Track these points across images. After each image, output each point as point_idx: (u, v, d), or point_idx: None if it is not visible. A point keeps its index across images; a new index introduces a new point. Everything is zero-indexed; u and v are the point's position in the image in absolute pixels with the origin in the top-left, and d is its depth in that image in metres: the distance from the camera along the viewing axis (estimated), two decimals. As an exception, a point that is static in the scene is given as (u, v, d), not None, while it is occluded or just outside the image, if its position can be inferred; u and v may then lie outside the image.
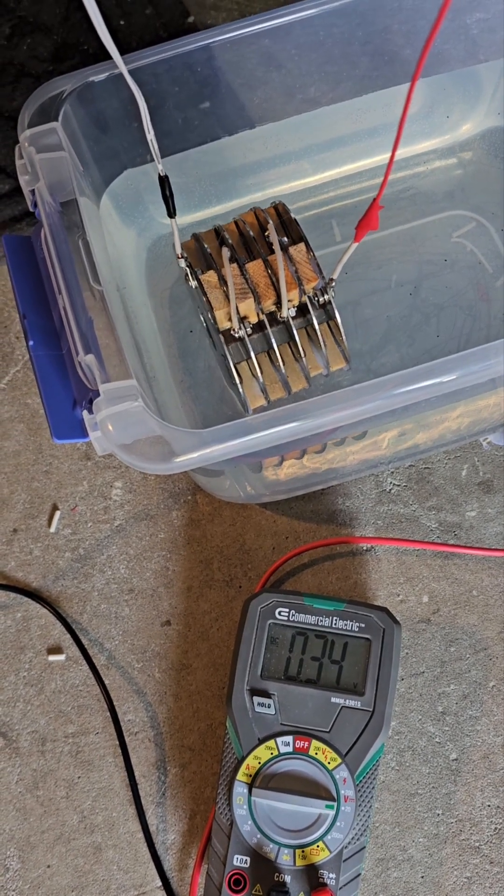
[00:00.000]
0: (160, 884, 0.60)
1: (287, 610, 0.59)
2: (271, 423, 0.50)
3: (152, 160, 0.62)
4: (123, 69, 0.46)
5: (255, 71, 0.65)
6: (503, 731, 0.62)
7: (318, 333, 0.61)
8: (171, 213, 0.56)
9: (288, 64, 0.65)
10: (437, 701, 0.63)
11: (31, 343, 0.55)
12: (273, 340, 0.61)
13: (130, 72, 0.60)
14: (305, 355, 0.61)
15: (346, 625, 0.58)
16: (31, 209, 0.57)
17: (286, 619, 0.59)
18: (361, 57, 0.66)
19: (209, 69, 0.63)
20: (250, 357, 0.61)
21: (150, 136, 0.50)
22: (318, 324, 0.61)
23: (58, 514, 0.68)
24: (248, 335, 0.61)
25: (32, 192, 0.56)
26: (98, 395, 0.50)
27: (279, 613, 0.59)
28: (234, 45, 0.62)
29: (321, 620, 0.58)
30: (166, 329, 0.69)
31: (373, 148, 0.72)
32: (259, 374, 0.61)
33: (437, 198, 0.72)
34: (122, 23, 0.81)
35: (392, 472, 0.68)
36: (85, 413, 0.50)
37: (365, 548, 0.67)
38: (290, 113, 0.68)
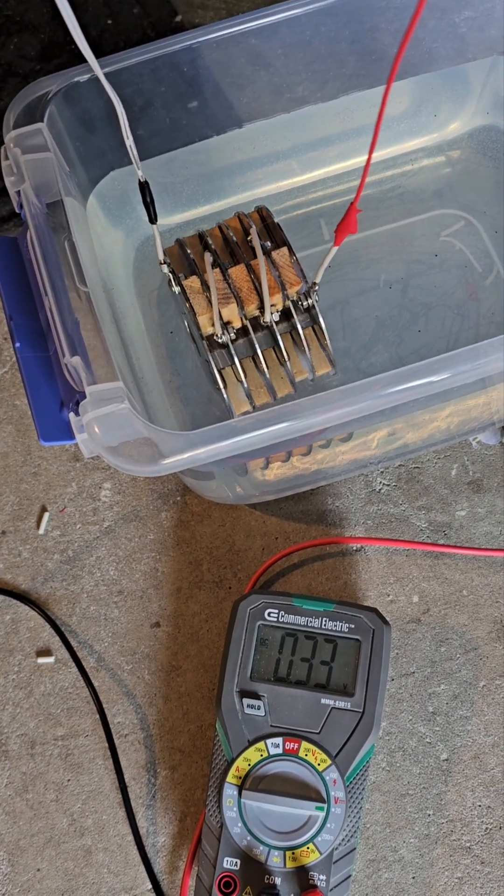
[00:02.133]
0: (150, 886, 0.60)
1: (276, 611, 0.59)
2: (259, 424, 0.50)
3: (139, 160, 0.62)
4: (100, 73, 0.46)
5: (243, 70, 0.65)
6: (494, 731, 0.62)
7: (303, 338, 0.61)
8: (153, 220, 0.56)
9: (276, 63, 0.65)
10: (427, 701, 0.63)
11: (17, 345, 0.55)
12: (257, 345, 0.61)
13: (117, 72, 0.60)
14: (290, 360, 0.61)
15: (335, 626, 0.58)
16: (17, 210, 0.57)
17: (275, 620, 0.58)
18: (349, 56, 0.66)
19: (197, 68, 0.63)
20: (234, 362, 0.60)
21: (129, 141, 0.49)
22: (303, 328, 0.61)
23: (46, 515, 0.68)
24: (232, 340, 0.60)
25: (18, 193, 0.56)
26: (84, 397, 0.49)
27: (268, 615, 0.59)
28: (222, 44, 0.62)
29: (311, 621, 0.58)
30: (154, 329, 0.69)
31: (360, 147, 0.72)
32: (244, 379, 0.61)
33: (426, 196, 0.72)
34: (109, 22, 0.81)
35: (382, 472, 0.68)
36: (72, 415, 0.50)
37: (355, 548, 0.66)
38: (278, 112, 0.68)
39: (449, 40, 0.67)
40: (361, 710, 0.56)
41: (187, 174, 0.70)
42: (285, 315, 0.61)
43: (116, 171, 0.65)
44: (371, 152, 0.47)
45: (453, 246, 0.71)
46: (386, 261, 0.71)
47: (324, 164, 0.72)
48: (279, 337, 0.61)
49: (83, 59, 0.61)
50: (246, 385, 0.61)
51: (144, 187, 0.54)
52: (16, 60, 0.80)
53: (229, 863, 0.55)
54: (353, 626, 0.58)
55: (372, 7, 0.64)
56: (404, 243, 0.71)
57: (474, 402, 0.64)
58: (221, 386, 0.60)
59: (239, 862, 0.55)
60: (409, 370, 0.50)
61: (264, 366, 0.61)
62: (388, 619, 0.62)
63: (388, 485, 0.68)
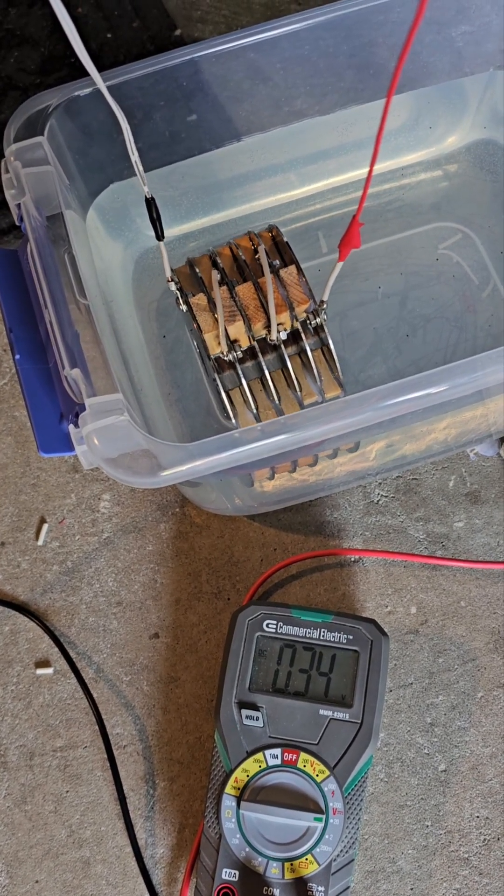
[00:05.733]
0: (149, 898, 0.60)
1: (275, 622, 0.59)
2: (258, 436, 0.50)
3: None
4: (104, 89, 0.46)
5: (242, 84, 0.65)
6: (492, 742, 0.62)
7: (312, 360, 0.61)
8: (160, 237, 0.56)
9: (274, 77, 0.65)
10: (425, 712, 0.63)
11: (17, 357, 0.55)
12: (265, 367, 0.60)
13: (118, 85, 0.61)
14: (300, 384, 0.61)
15: (333, 637, 0.58)
16: (17, 223, 0.57)
17: (274, 631, 0.59)
18: (347, 70, 0.66)
19: (196, 82, 0.64)
20: (242, 383, 0.60)
21: (135, 157, 0.50)
22: (312, 350, 0.61)
23: (45, 526, 0.68)
24: (239, 360, 0.60)
25: (18, 206, 0.56)
26: (84, 408, 0.50)
27: (267, 626, 0.59)
28: (221, 58, 0.63)
29: (309, 632, 0.58)
30: (153, 341, 0.69)
31: (359, 160, 0.72)
32: (251, 401, 0.60)
33: (424, 209, 0.73)
34: (109, 36, 0.81)
35: (380, 484, 0.68)
36: (71, 427, 0.50)
37: (353, 559, 0.67)
38: (277, 125, 0.68)
39: (446, 55, 0.68)
40: (360, 721, 0.57)
41: (186, 187, 0.70)
42: (294, 337, 0.61)
43: (116, 183, 0.66)
44: (371, 168, 0.47)
45: (451, 259, 0.71)
46: (384, 273, 0.71)
47: (322, 177, 0.73)
48: (287, 359, 0.60)
49: (83, 73, 0.62)
50: (254, 407, 0.61)
51: (151, 204, 0.54)
52: (16, 74, 0.80)
53: (228, 874, 0.55)
54: (351, 637, 0.58)
55: (370, 22, 0.64)
56: (402, 256, 0.71)
57: (472, 414, 0.64)
58: (229, 407, 0.60)
59: (237, 873, 0.55)
60: (407, 382, 0.51)
61: (273, 388, 0.61)
62: (386, 630, 0.62)
63: (386, 496, 0.68)
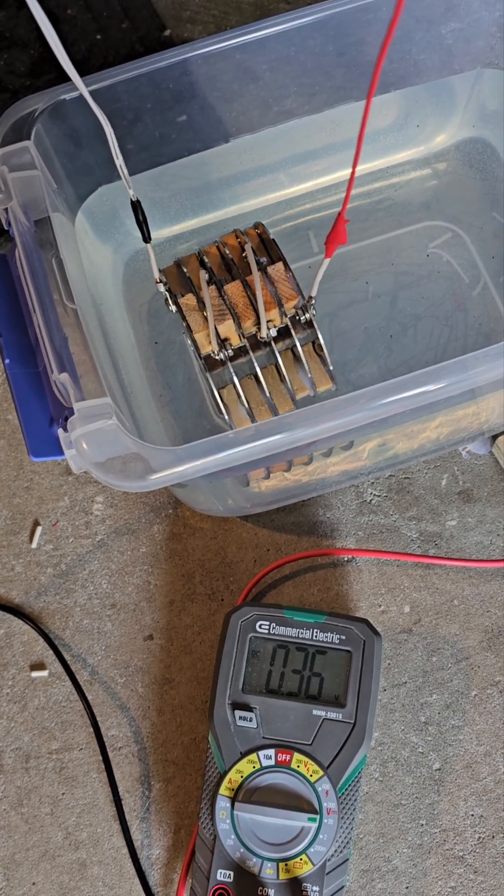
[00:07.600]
0: (145, 899, 0.60)
1: (268, 623, 0.59)
2: (248, 438, 0.50)
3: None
4: (87, 96, 0.46)
5: (232, 84, 0.65)
6: (486, 741, 0.62)
7: (302, 355, 0.61)
8: (146, 239, 0.56)
9: (263, 77, 0.65)
10: (419, 711, 0.63)
11: (7, 361, 0.55)
12: (256, 363, 0.61)
13: (107, 88, 0.61)
14: (290, 378, 0.61)
15: (326, 637, 0.58)
16: (5, 227, 0.57)
17: (267, 632, 0.59)
18: (336, 69, 0.66)
19: (185, 83, 0.64)
20: (233, 381, 0.60)
21: (119, 161, 0.50)
22: (302, 345, 0.61)
23: (39, 529, 0.68)
24: (231, 358, 0.60)
25: (6, 210, 0.56)
26: (73, 412, 0.50)
27: (260, 627, 0.59)
28: (210, 59, 0.63)
29: (302, 633, 0.59)
30: (144, 343, 0.69)
31: (348, 160, 0.71)
32: (244, 398, 0.61)
33: (413, 208, 0.73)
34: (98, 37, 0.81)
35: (372, 483, 0.68)
36: (60, 431, 0.50)
37: (346, 559, 0.67)
38: (267, 125, 0.68)
39: (435, 52, 0.68)
40: (353, 721, 0.57)
41: (176, 188, 0.70)
42: (284, 333, 0.61)
43: (104, 186, 0.66)
44: (355, 164, 0.47)
45: (441, 257, 0.71)
46: (374, 273, 0.71)
47: (312, 176, 0.73)
48: (278, 355, 0.61)
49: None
50: (246, 403, 0.61)
51: (137, 206, 0.54)
52: (5, 76, 0.80)
53: (223, 875, 0.55)
54: (343, 637, 0.58)
55: (359, 21, 0.64)
56: (392, 255, 0.71)
57: (464, 413, 0.64)
58: (221, 405, 0.60)
59: (232, 874, 0.55)
60: (398, 382, 0.51)
61: (264, 384, 0.61)
62: (379, 629, 0.62)
63: (379, 496, 0.68)
